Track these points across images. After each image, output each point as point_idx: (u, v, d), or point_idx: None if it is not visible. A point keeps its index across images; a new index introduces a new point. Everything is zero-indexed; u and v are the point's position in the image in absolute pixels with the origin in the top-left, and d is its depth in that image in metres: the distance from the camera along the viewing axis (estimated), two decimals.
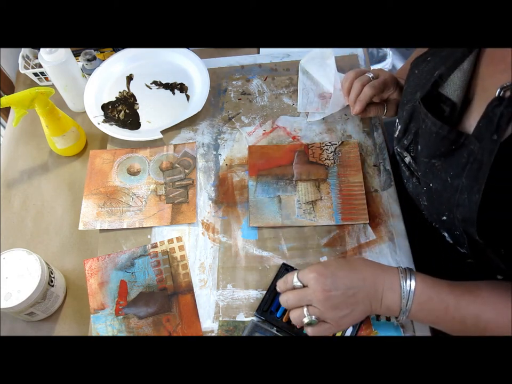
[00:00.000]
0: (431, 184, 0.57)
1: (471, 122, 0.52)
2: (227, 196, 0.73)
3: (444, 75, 0.55)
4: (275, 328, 0.61)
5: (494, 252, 0.52)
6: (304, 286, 0.54)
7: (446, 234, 0.60)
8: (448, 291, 0.52)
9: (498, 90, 0.46)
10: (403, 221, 0.69)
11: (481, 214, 0.48)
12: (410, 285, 0.53)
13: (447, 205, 0.54)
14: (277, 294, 0.63)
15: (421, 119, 0.56)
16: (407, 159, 0.63)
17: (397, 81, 0.71)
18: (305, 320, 0.53)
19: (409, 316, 0.53)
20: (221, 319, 0.63)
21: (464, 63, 0.53)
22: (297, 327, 0.58)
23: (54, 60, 0.74)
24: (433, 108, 0.55)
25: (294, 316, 0.55)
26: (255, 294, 0.64)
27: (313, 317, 0.53)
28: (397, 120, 0.65)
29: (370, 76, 0.70)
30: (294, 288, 0.55)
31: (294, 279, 0.55)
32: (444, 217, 0.57)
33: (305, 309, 0.53)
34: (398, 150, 0.64)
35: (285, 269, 0.65)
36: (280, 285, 0.58)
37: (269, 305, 0.62)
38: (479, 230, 0.49)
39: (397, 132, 0.64)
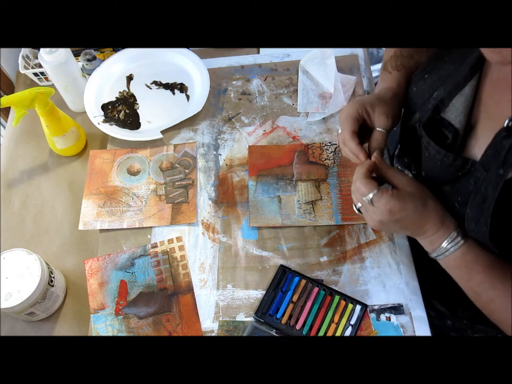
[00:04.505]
0: (444, 205, 0.56)
1: (478, 149, 0.52)
2: (227, 196, 0.73)
3: (445, 99, 0.54)
4: (274, 330, 0.61)
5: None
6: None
7: None
8: (481, 269, 0.52)
9: (507, 121, 0.45)
10: None
11: (494, 237, 0.48)
12: (448, 248, 0.53)
13: None
14: (276, 296, 0.63)
15: (423, 146, 0.56)
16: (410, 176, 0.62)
17: (365, 110, 0.60)
18: (359, 204, 0.55)
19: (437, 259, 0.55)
20: (221, 319, 0.63)
21: (465, 88, 0.52)
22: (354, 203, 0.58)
23: (54, 60, 0.74)
24: (435, 133, 0.54)
25: (359, 190, 0.54)
26: (255, 294, 0.64)
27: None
28: (397, 139, 0.64)
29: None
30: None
31: (368, 195, 0.53)
32: None
33: (367, 198, 0.53)
34: (399, 168, 0.64)
35: (283, 270, 0.65)
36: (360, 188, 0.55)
37: (268, 307, 0.62)
38: (493, 244, 0.49)
39: (397, 151, 0.64)
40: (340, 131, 0.60)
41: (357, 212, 0.57)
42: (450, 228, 0.54)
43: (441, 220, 0.54)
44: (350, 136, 0.57)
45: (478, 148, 0.52)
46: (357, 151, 0.57)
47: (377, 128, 0.59)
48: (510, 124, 0.46)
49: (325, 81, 0.83)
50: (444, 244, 0.53)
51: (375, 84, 0.84)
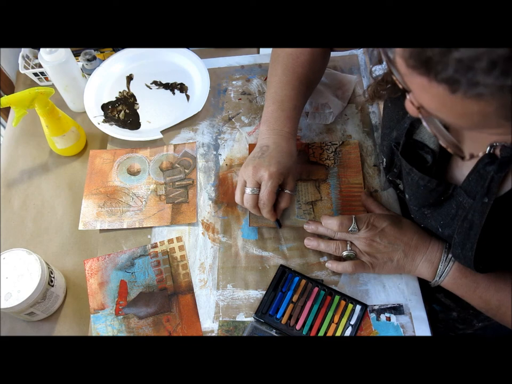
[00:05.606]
0: (427, 226, 0.59)
1: (462, 171, 0.52)
2: (227, 196, 0.73)
3: (415, 122, 0.54)
4: (274, 330, 0.61)
5: None
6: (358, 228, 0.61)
7: None
8: (484, 275, 0.55)
9: (488, 148, 0.45)
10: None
11: (478, 261, 0.50)
12: (450, 259, 0.56)
13: None
14: (276, 296, 0.63)
15: (405, 172, 0.56)
16: (402, 186, 0.63)
17: (282, 179, 0.64)
18: (345, 253, 0.62)
19: (440, 284, 0.58)
20: (221, 319, 0.63)
21: None
22: (337, 254, 0.63)
23: (54, 60, 0.74)
24: (414, 157, 0.54)
25: (337, 245, 0.62)
26: (255, 294, 0.64)
27: (353, 252, 0.62)
28: (382, 153, 0.65)
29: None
30: (348, 231, 0.61)
31: (353, 224, 0.61)
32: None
33: (348, 244, 0.62)
34: (390, 178, 0.64)
35: (283, 270, 0.65)
36: (336, 224, 0.62)
37: (268, 307, 0.62)
38: (477, 268, 0.52)
39: (384, 164, 0.64)
40: (250, 191, 0.63)
41: (345, 256, 0.62)
42: (439, 242, 0.59)
43: (425, 235, 0.60)
44: (269, 209, 0.63)
45: (462, 170, 0.52)
46: (270, 217, 0.65)
47: (286, 191, 0.65)
48: (491, 151, 0.45)
49: (324, 80, 0.83)
50: (444, 256, 0.57)
51: None
